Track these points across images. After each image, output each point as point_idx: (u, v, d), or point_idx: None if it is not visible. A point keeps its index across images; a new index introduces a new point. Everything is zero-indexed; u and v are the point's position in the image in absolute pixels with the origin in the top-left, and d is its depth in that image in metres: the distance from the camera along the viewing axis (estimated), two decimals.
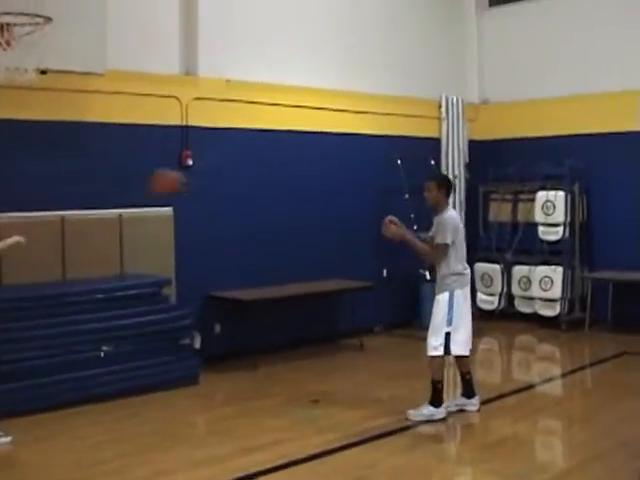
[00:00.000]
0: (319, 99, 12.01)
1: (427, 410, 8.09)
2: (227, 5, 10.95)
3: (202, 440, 7.97)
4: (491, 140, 14.34)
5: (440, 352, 8.06)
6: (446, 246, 8.04)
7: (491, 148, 14.24)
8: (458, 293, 8.11)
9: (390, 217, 8.19)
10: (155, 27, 10.42)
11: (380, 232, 8.30)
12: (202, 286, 10.58)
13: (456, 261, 8.12)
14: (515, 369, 11.66)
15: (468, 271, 8.32)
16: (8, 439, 7.45)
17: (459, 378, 8.58)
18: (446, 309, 8.07)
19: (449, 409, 8.29)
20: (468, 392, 8.47)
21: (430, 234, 8.36)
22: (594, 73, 13.16)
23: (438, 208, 8.21)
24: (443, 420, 8.09)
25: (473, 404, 8.43)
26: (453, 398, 8.70)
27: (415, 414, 8.06)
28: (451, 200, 9.76)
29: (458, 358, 8.38)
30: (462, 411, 8.40)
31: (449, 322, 8.04)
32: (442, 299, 8.11)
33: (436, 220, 8.23)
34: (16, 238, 7.54)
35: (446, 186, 8.27)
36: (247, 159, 11.22)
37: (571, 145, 13.16)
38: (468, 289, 8.29)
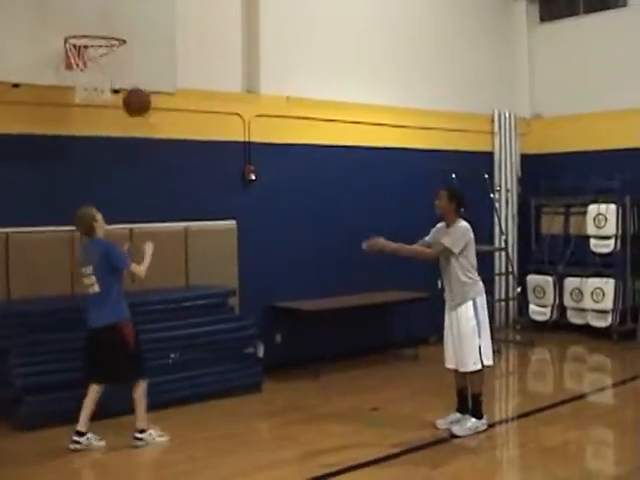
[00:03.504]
0: (375, 115, 12.34)
1: (471, 423, 8.19)
2: (287, 26, 11.37)
3: (269, 444, 8.29)
4: (543, 154, 14.54)
5: (479, 366, 8.10)
6: (448, 251, 8.06)
7: (543, 162, 14.45)
8: (479, 300, 8.16)
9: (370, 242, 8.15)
10: (218, 47, 10.83)
11: None
12: (264, 296, 10.90)
13: (468, 270, 8.15)
14: (567, 379, 11.81)
15: (480, 281, 8.34)
16: (102, 443, 7.85)
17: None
18: (474, 321, 8.08)
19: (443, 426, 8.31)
20: (475, 413, 8.28)
21: (428, 238, 8.36)
22: None
23: (447, 219, 8.21)
24: (485, 431, 8.24)
25: (483, 424, 8.30)
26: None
27: (460, 430, 8.13)
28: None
29: (470, 374, 8.21)
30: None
31: (479, 334, 8.10)
32: (466, 310, 8.10)
33: (449, 230, 8.15)
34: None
35: (457, 199, 8.20)
36: (307, 173, 11.60)
37: (622, 159, 13.32)
38: (484, 298, 8.29)
